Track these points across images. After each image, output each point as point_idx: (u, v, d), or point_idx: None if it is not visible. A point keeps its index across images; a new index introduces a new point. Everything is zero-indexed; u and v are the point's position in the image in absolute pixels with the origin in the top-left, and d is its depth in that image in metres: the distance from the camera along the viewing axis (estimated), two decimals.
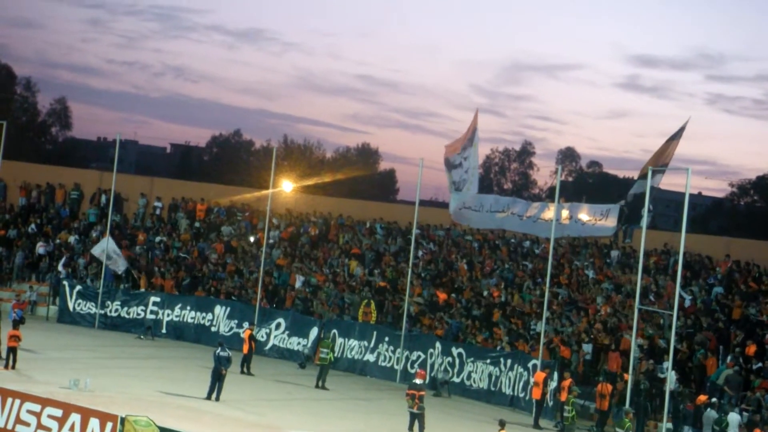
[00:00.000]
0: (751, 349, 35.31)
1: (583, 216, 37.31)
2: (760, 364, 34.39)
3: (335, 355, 41.62)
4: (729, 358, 34.86)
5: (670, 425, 32.49)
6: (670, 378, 32.31)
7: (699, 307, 39.04)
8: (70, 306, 47.58)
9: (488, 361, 38.62)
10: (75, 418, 24.39)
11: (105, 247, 47.45)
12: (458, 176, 41.22)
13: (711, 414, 30.85)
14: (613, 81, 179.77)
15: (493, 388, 38.24)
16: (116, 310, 47.06)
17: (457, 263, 46.62)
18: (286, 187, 50.91)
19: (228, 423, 29.18)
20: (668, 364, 32.60)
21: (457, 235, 49.37)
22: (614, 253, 44.99)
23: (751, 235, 68.79)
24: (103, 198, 54.57)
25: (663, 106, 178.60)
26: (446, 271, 46.15)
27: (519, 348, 38.86)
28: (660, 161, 33.55)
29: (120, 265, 47.98)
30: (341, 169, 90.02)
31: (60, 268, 50.38)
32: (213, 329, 45.21)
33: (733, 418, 30.49)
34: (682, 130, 33.41)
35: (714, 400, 31.91)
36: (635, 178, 35.96)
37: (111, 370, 36.07)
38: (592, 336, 38.36)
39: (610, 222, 36.02)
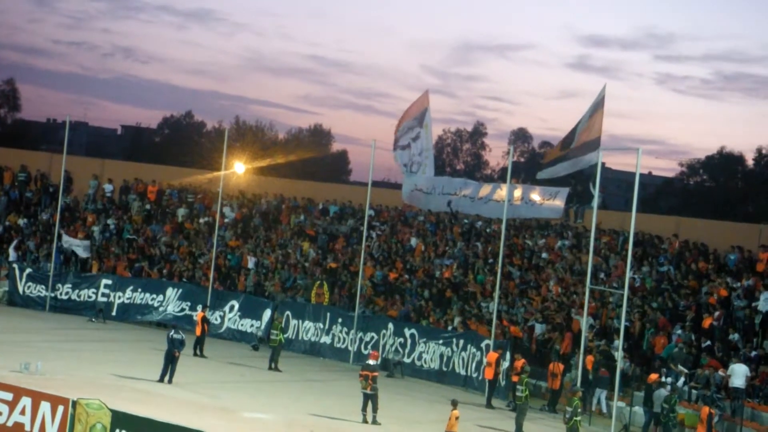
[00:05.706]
0: (707, 321, 35.57)
1: (535, 197, 37.49)
2: (708, 343, 34.76)
3: (289, 336, 41.68)
4: (677, 334, 35.28)
5: (621, 404, 32.80)
6: (620, 357, 32.58)
7: (650, 286, 39.37)
8: (20, 289, 47.19)
9: (440, 341, 38.75)
10: (26, 401, 24.13)
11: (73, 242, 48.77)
12: (407, 158, 41.17)
13: (661, 392, 31.19)
14: (564, 61, 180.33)
15: (445, 369, 38.40)
16: (67, 293, 46.72)
17: (410, 243, 46.67)
18: (239, 168, 50.68)
19: (181, 405, 29.09)
20: (619, 342, 32.86)
21: (411, 215, 49.40)
22: (566, 233, 45.23)
23: (701, 214, 69.60)
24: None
25: (613, 87, 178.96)
26: (399, 252, 46.21)
27: (472, 328, 39.04)
28: (591, 136, 32.60)
29: (84, 250, 48.26)
30: (294, 150, 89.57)
31: (11, 251, 49.93)
32: (161, 309, 45.06)
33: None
34: (602, 98, 32.43)
35: (667, 379, 32.32)
36: (558, 152, 34.98)
37: (62, 353, 35.85)
38: (544, 316, 38.62)
39: (559, 202, 36.25)
